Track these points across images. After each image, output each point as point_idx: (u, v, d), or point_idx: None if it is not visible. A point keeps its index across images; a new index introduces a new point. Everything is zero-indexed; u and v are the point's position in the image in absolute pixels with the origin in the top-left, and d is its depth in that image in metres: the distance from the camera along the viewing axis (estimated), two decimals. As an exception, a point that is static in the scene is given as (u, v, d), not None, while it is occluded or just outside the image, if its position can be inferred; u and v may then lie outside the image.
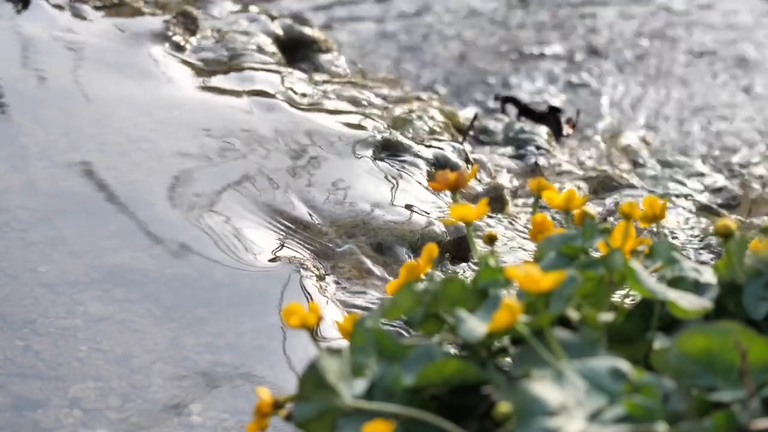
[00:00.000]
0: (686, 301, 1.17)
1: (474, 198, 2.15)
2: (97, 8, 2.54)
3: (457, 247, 1.94)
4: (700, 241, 2.14)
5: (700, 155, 2.75)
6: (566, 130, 2.75)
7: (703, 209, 2.30)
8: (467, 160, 2.23)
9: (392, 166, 2.12)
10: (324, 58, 2.66)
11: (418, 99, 2.56)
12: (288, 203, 1.97)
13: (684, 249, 2.08)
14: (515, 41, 3.52)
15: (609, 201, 2.28)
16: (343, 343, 1.23)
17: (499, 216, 2.14)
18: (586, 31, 3.58)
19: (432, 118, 2.43)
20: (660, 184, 2.41)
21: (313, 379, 1.11)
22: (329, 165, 2.08)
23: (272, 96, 2.29)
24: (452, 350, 1.21)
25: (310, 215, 1.95)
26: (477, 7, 3.73)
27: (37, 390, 1.56)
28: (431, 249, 1.31)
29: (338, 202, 1.99)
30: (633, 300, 1.27)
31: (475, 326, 1.14)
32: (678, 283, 1.22)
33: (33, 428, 1.50)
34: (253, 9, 2.72)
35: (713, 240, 2.13)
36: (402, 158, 2.15)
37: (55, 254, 1.80)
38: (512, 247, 2.02)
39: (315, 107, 2.30)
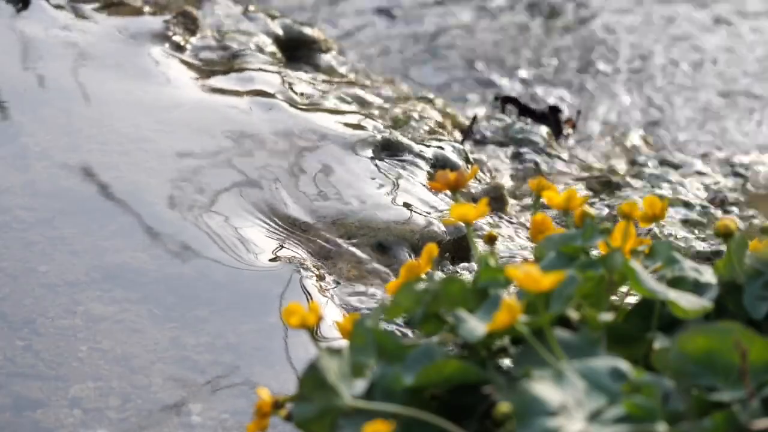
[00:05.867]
0: (686, 301, 1.17)
1: (474, 198, 2.15)
2: (97, 8, 2.54)
3: (457, 247, 1.94)
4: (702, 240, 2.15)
5: (701, 155, 2.75)
6: (566, 130, 2.75)
7: (703, 209, 2.30)
8: (467, 160, 2.23)
9: (392, 166, 2.12)
10: (324, 57, 2.66)
11: (418, 99, 2.56)
12: (288, 203, 1.97)
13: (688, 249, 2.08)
14: (516, 42, 3.52)
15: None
16: (343, 343, 1.23)
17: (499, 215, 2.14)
18: (588, 32, 3.58)
19: (432, 118, 2.43)
20: (660, 184, 2.41)
21: (313, 379, 1.11)
22: (329, 165, 2.08)
23: (272, 96, 2.29)
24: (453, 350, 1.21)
25: (310, 215, 1.95)
26: (479, 9, 3.73)
27: (37, 390, 1.56)
28: (431, 249, 1.31)
29: (338, 201, 1.99)
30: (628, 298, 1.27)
31: (475, 326, 1.15)
32: (678, 283, 1.22)
33: (33, 428, 1.50)
34: (253, 9, 2.72)
35: (713, 240, 2.13)
36: (402, 158, 2.15)
37: (55, 254, 1.80)
38: (512, 249, 2.02)
39: (315, 107, 2.30)
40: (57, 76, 2.27)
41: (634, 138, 2.73)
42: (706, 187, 2.43)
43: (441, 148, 2.22)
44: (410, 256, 1.90)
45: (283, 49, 2.59)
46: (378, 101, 2.46)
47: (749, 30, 3.61)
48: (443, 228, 1.94)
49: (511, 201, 2.22)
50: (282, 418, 1.18)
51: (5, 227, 1.85)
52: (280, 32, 2.63)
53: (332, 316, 1.67)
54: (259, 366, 1.62)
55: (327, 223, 1.94)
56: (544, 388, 1.00)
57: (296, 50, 2.64)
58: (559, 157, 2.51)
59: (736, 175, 2.54)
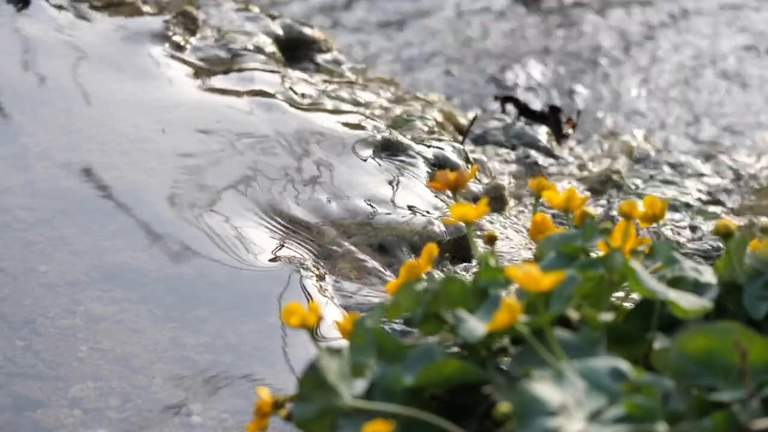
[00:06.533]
0: (686, 301, 1.17)
1: (474, 198, 2.15)
2: (97, 8, 2.54)
3: (457, 247, 1.94)
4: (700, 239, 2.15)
5: (701, 155, 2.75)
6: (566, 130, 2.75)
7: (703, 209, 2.30)
8: (467, 160, 2.23)
9: (392, 166, 2.12)
10: (324, 58, 2.66)
11: (418, 99, 2.56)
12: (288, 203, 1.97)
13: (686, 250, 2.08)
14: (517, 41, 3.52)
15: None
16: (343, 343, 1.23)
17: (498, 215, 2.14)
18: (588, 31, 3.58)
19: (432, 118, 2.43)
20: (660, 184, 2.41)
21: (313, 379, 1.11)
22: (329, 165, 2.08)
23: (272, 96, 2.29)
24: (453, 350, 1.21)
25: (310, 215, 1.95)
26: (479, 8, 3.73)
27: (37, 390, 1.56)
28: (431, 249, 1.31)
29: (338, 201, 1.99)
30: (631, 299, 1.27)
31: (475, 326, 1.15)
32: (678, 283, 1.22)
33: (33, 428, 1.50)
34: (253, 9, 2.72)
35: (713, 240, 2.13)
36: (402, 158, 2.15)
37: (55, 254, 1.80)
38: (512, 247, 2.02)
39: (315, 107, 2.30)
40: (57, 76, 2.27)
41: (635, 138, 2.73)
42: (706, 188, 2.43)
43: (441, 148, 2.22)
44: (410, 256, 1.90)
45: (283, 49, 2.59)
46: (378, 101, 2.46)
47: (758, 30, 3.61)
48: (443, 228, 1.94)
49: (511, 201, 2.22)
50: (282, 418, 1.18)
51: (5, 227, 1.85)
52: (280, 32, 2.63)
53: (332, 316, 1.67)
54: (259, 366, 1.62)
55: (327, 223, 1.94)
56: (544, 388, 1.00)
57: (296, 50, 2.64)
58: (559, 157, 2.51)
59: (737, 175, 2.54)
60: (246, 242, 1.86)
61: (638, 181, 2.40)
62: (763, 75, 3.35)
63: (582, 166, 2.49)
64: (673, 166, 2.53)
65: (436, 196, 2.05)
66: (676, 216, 2.26)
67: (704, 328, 1.08)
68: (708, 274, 1.23)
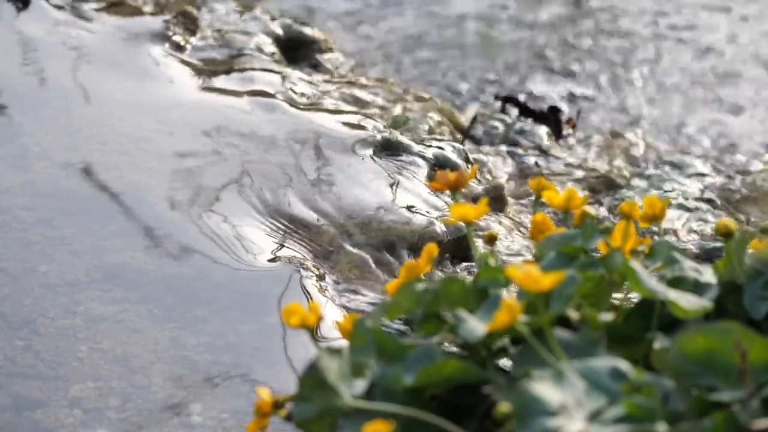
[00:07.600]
0: (686, 301, 1.17)
1: (474, 198, 2.15)
2: (97, 8, 2.54)
3: (457, 247, 1.94)
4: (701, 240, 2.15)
5: (700, 155, 2.75)
6: (566, 130, 2.75)
7: (702, 209, 2.30)
8: (467, 160, 2.23)
9: (392, 166, 2.12)
10: (324, 57, 2.66)
11: (418, 99, 2.56)
12: (288, 203, 1.97)
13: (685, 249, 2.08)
14: (517, 41, 3.52)
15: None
16: (343, 343, 1.23)
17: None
18: (588, 31, 3.58)
19: (432, 118, 2.43)
20: (660, 184, 2.41)
21: (313, 379, 1.11)
22: (329, 165, 2.08)
23: (272, 96, 2.29)
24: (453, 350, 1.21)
25: (310, 215, 1.95)
26: (479, 9, 3.73)
27: (37, 390, 1.56)
28: (431, 249, 1.31)
29: (338, 201, 1.99)
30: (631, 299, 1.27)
31: (475, 326, 1.15)
32: (678, 283, 1.22)
33: (33, 428, 1.50)
34: (253, 9, 2.72)
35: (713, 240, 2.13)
36: (402, 158, 2.15)
37: (55, 254, 1.80)
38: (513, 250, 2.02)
39: (315, 107, 2.30)
40: (57, 76, 2.27)
41: (635, 138, 2.73)
42: (706, 188, 2.43)
43: (441, 148, 2.22)
44: (410, 256, 1.90)
45: (283, 49, 2.59)
46: (378, 101, 2.46)
47: (758, 33, 3.61)
48: (443, 228, 1.94)
49: (511, 201, 2.21)
50: (282, 418, 1.18)
51: (5, 227, 1.85)
52: (280, 32, 2.63)
53: (332, 316, 1.67)
54: (259, 366, 1.62)
55: (327, 223, 1.94)
56: (544, 388, 1.00)
57: (296, 50, 2.64)
58: (559, 157, 2.51)
59: (735, 175, 2.54)
60: (246, 242, 1.86)
61: (638, 181, 2.40)
62: (763, 74, 3.35)
63: (582, 166, 2.49)
64: (673, 165, 2.53)
65: (435, 196, 2.05)
66: (675, 215, 2.26)
67: (704, 328, 1.08)
68: (708, 274, 1.23)
